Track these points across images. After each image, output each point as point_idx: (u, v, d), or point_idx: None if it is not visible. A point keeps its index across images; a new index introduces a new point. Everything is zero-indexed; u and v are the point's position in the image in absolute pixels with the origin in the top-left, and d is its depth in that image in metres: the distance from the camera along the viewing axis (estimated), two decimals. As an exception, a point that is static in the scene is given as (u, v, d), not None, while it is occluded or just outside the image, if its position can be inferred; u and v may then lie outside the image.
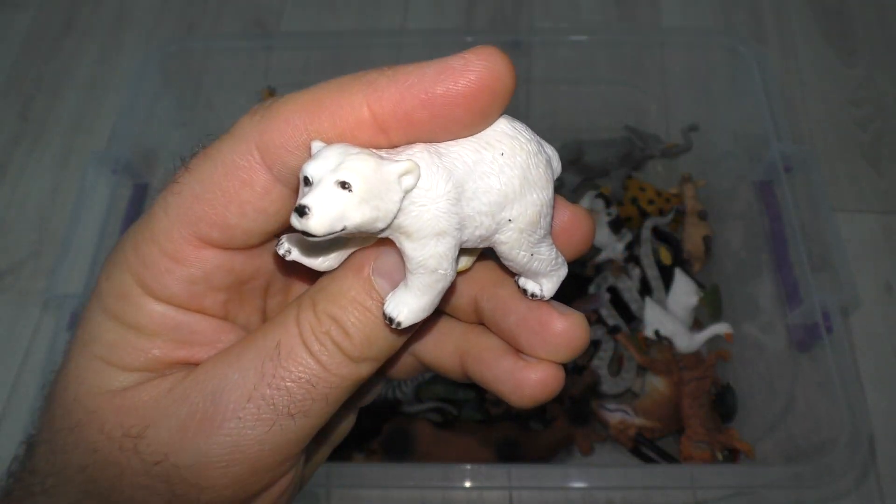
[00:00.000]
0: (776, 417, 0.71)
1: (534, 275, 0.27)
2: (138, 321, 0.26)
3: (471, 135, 0.25)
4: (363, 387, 0.32)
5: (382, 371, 0.32)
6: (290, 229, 0.26)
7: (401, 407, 0.78)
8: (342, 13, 1.07)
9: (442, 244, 0.24)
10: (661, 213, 0.88)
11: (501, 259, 0.27)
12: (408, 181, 0.23)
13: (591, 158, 0.89)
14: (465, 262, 0.29)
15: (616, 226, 0.86)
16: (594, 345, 0.81)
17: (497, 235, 0.25)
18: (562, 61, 0.93)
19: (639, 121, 0.93)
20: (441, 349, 0.31)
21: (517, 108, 0.93)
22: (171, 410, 0.26)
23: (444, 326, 0.31)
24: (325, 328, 0.26)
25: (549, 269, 0.27)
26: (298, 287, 0.31)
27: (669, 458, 0.74)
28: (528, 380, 0.28)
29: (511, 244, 0.26)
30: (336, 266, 0.27)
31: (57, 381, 0.27)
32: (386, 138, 0.24)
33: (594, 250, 0.87)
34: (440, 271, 0.24)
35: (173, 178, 0.26)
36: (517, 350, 0.28)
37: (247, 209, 0.25)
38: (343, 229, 0.23)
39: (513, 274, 0.28)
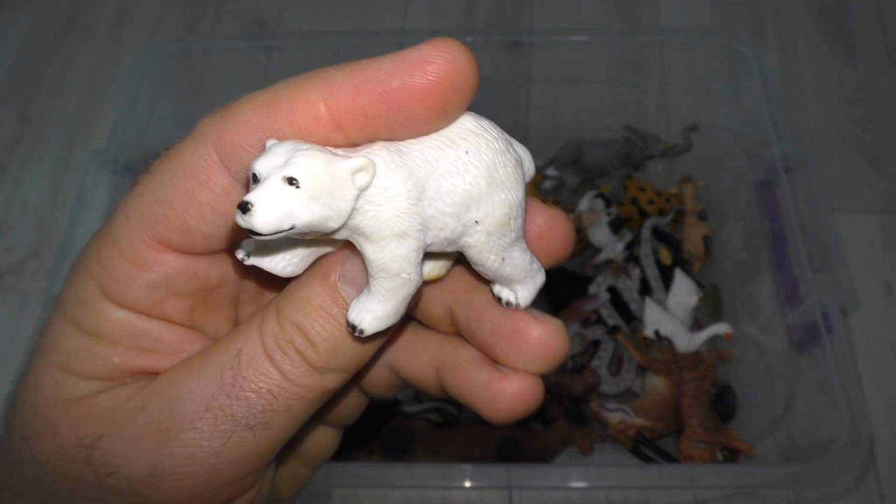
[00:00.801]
0: (776, 417, 0.71)
1: (507, 281, 0.26)
2: (99, 328, 0.25)
3: (433, 132, 0.24)
4: (345, 405, 0.32)
5: (363, 388, 0.31)
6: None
7: (401, 407, 0.78)
8: (342, 13, 1.07)
9: (403, 246, 0.23)
10: (661, 213, 0.88)
11: (472, 264, 0.26)
12: (362, 179, 0.22)
13: (591, 158, 0.89)
14: (439, 269, 0.27)
15: (616, 226, 0.86)
16: (594, 345, 0.81)
17: (465, 238, 0.24)
18: (562, 61, 0.93)
19: (639, 121, 0.93)
20: (417, 362, 0.29)
21: (517, 108, 0.93)
22: (127, 420, 0.24)
23: (421, 338, 0.29)
24: (288, 336, 0.24)
25: (523, 275, 0.26)
26: (271, 296, 0.30)
27: (669, 458, 0.74)
28: (504, 392, 0.26)
29: (480, 247, 0.25)
30: (299, 272, 0.26)
31: (17, 390, 0.26)
32: (344, 136, 0.23)
33: (594, 250, 0.87)
34: (403, 275, 0.23)
35: (136, 181, 0.26)
36: (493, 361, 0.27)
37: (206, 211, 0.25)
38: (292, 228, 0.22)
39: (488, 282, 0.27)
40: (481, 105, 0.24)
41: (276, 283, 0.29)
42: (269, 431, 0.25)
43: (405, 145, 0.24)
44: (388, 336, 0.26)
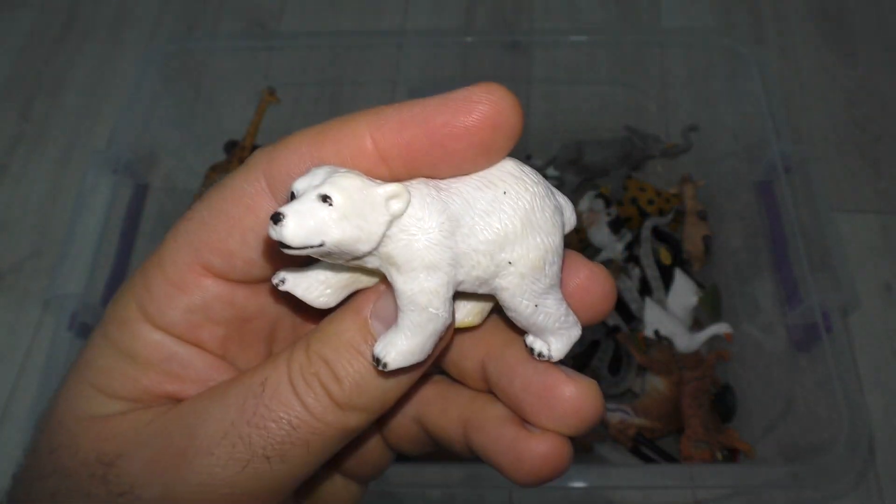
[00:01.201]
0: (776, 417, 0.71)
1: (541, 331, 0.26)
2: (133, 348, 0.26)
3: (474, 172, 0.24)
4: (370, 458, 0.31)
5: (389, 442, 0.31)
6: (290, 265, 0.25)
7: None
8: (342, 13, 1.07)
9: (433, 279, 0.23)
10: (661, 213, 0.88)
11: (505, 310, 0.25)
12: (395, 205, 0.23)
13: (591, 158, 0.89)
14: (473, 316, 0.27)
15: (616, 226, 0.86)
16: (594, 345, 0.81)
17: (497, 280, 0.24)
18: (562, 61, 0.93)
19: (639, 121, 0.93)
20: (445, 417, 0.28)
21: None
22: (147, 442, 0.25)
23: (451, 393, 0.29)
24: (314, 369, 0.24)
25: (557, 325, 0.25)
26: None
27: (669, 458, 0.74)
28: (530, 451, 0.25)
29: (513, 290, 0.24)
30: (333, 304, 0.26)
31: (49, 405, 0.27)
32: (388, 169, 0.24)
33: (594, 250, 0.87)
34: (431, 309, 0.23)
35: (190, 207, 0.26)
36: (523, 420, 0.26)
37: (249, 236, 0.25)
38: (321, 245, 0.22)
39: (522, 333, 0.27)
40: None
41: (312, 318, 0.29)
42: (285, 465, 0.24)
43: (444, 183, 0.24)
44: (415, 378, 0.26)
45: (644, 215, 0.88)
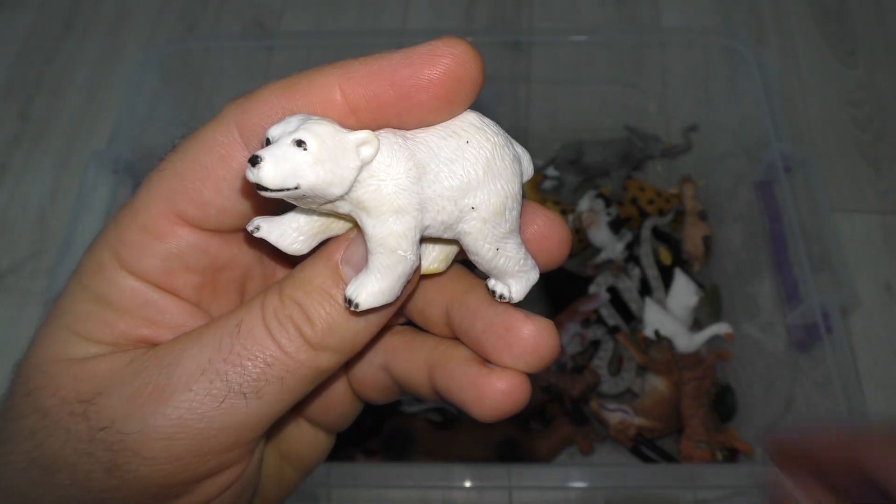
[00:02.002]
0: (776, 417, 0.71)
1: (501, 274, 0.27)
2: (109, 294, 0.27)
3: (438, 122, 0.25)
4: (338, 408, 0.32)
5: (357, 391, 0.32)
6: (264, 214, 0.27)
7: (401, 406, 0.78)
8: (342, 13, 1.08)
9: (401, 223, 0.24)
10: (661, 213, 0.88)
11: (468, 254, 0.27)
12: (366, 151, 0.24)
13: (591, 158, 0.89)
14: (438, 263, 0.28)
15: (616, 226, 0.86)
16: (594, 345, 0.81)
17: (461, 225, 0.26)
18: (562, 61, 0.93)
19: (639, 121, 0.93)
20: (411, 363, 0.29)
21: (517, 108, 0.93)
22: (126, 380, 0.26)
23: (416, 340, 0.30)
24: (287, 311, 0.26)
25: (516, 268, 0.27)
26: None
27: (669, 458, 0.74)
28: (492, 388, 0.27)
29: (475, 234, 0.26)
30: (305, 251, 0.27)
31: (26, 351, 0.28)
32: (356, 120, 0.25)
33: (594, 250, 0.87)
34: (399, 252, 0.25)
35: (162, 158, 0.27)
36: (484, 359, 0.28)
37: (222, 186, 0.26)
38: (297, 188, 0.23)
39: (484, 278, 0.28)
40: (481, 105, 0.26)
41: (284, 265, 0.30)
42: (260, 402, 0.25)
43: (410, 133, 0.25)
44: (384, 320, 0.27)
45: (644, 215, 0.88)
